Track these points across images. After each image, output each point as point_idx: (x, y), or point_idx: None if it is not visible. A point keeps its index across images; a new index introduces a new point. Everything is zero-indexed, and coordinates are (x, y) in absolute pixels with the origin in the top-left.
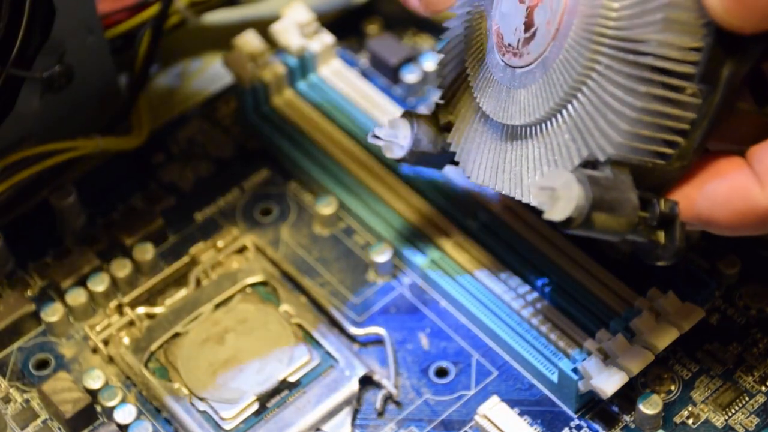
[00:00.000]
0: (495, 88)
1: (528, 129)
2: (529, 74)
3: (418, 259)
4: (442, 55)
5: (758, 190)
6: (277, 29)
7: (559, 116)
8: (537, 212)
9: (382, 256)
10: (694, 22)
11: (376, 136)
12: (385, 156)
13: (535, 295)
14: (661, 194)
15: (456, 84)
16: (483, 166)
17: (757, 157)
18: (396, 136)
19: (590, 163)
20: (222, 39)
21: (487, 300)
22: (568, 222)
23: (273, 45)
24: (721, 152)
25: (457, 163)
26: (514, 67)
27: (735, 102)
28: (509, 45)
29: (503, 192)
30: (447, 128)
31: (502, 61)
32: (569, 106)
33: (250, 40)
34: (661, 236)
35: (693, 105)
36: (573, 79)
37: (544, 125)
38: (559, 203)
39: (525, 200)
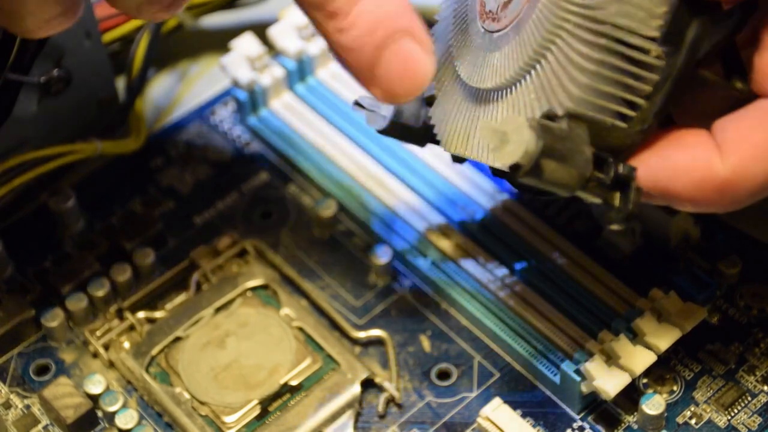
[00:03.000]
0: (473, 54)
1: (499, 92)
2: (504, 37)
3: (419, 261)
4: (433, 33)
5: (718, 160)
6: (275, 32)
7: (527, 77)
8: (538, 213)
9: (382, 258)
10: None
11: (359, 104)
12: (368, 126)
13: (537, 296)
14: (621, 159)
15: (442, 58)
16: (456, 134)
17: (720, 128)
18: (379, 107)
19: (549, 117)
20: (220, 42)
21: (488, 301)
22: (516, 168)
23: (271, 48)
24: (686, 125)
25: (437, 142)
26: (492, 32)
27: (699, 68)
28: (489, 11)
29: (472, 157)
30: (431, 102)
31: (483, 27)
32: (537, 66)
33: (248, 43)
34: (616, 198)
35: (655, 67)
36: (542, 38)
37: (513, 87)
38: (508, 147)
39: (490, 163)
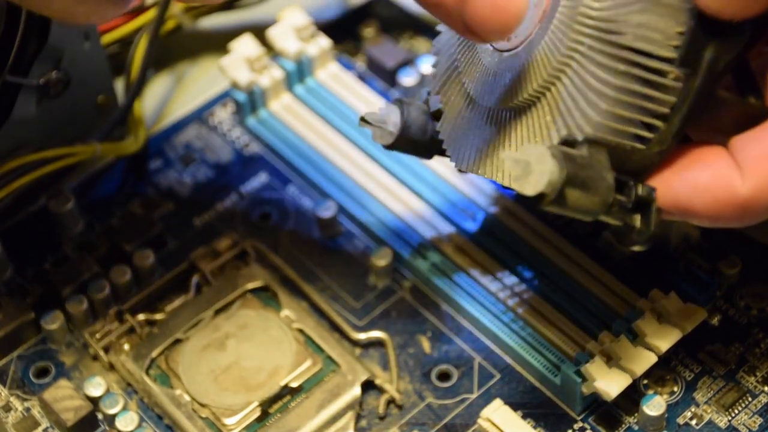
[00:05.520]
0: (482, 72)
1: (512, 112)
2: (515, 57)
3: (419, 262)
4: (436, 45)
5: (738, 179)
6: (274, 33)
7: (542, 98)
8: (538, 214)
9: (382, 259)
10: (678, 6)
11: (366, 121)
12: (375, 142)
13: (537, 297)
14: (640, 179)
15: (447, 72)
16: (468, 152)
17: (739, 147)
18: (385, 122)
19: (568, 143)
20: (219, 43)
21: (489, 302)
22: (540, 198)
23: (270, 49)
24: (703, 142)
25: (445, 153)
26: (502, 51)
27: (715, 88)
28: None
29: (486, 177)
30: (437, 116)
31: (491, 45)
32: (552, 88)
33: (246, 45)
34: (637, 220)
35: (673, 89)
36: (557, 61)
37: (527, 108)
38: (531, 177)
39: (506, 184)
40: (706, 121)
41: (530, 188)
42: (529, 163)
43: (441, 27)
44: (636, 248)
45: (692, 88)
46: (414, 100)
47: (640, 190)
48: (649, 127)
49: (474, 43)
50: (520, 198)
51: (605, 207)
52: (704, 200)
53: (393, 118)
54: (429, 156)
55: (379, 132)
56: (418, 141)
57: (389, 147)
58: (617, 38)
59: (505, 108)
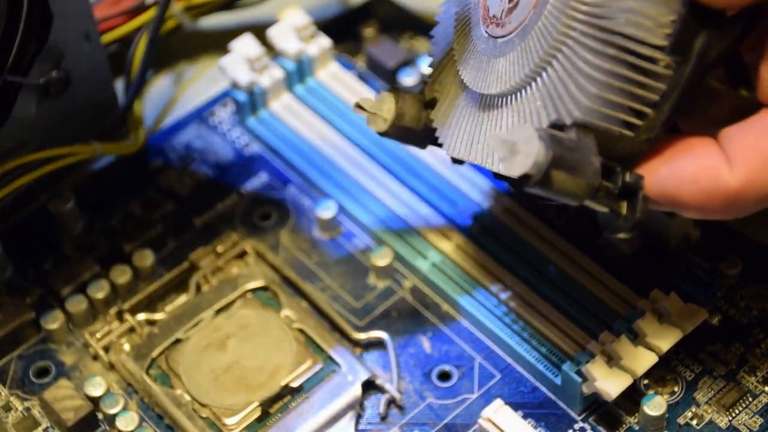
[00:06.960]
0: (477, 59)
1: (504, 98)
2: (509, 43)
3: (419, 262)
4: (433, 35)
5: (726, 170)
6: (274, 33)
7: (533, 83)
8: (538, 214)
9: (382, 259)
10: None
11: (360, 107)
12: (369, 128)
13: (537, 297)
14: (628, 167)
15: (443, 61)
16: (459, 139)
17: (728, 138)
18: (380, 109)
19: (557, 127)
20: (219, 43)
21: (489, 302)
22: (525, 178)
23: (270, 49)
24: (692, 133)
25: (438, 144)
26: (496, 38)
27: (706, 78)
28: (493, 16)
29: (476, 162)
30: (432, 105)
31: (486, 32)
32: (543, 73)
33: (247, 44)
34: (623, 207)
35: (663, 76)
36: (548, 45)
37: (518, 93)
38: (518, 158)
39: (495, 169)
40: (697, 112)
41: (516, 169)
42: (515, 144)
43: (438, 17)
44: (621, 235)
45: (683, 77)
46: (409, 90)
47: (627, 177)
48: (638, 114)
49: (470, 29)
50: (508, 180)
51: (591, 191)
52: (691, 190)
53: (387, 106)
54: (423, 145)
55: (373, 119)
56: (411, 129)
57: (383, 134)
58: (608, 24)
59: (498, 94)
